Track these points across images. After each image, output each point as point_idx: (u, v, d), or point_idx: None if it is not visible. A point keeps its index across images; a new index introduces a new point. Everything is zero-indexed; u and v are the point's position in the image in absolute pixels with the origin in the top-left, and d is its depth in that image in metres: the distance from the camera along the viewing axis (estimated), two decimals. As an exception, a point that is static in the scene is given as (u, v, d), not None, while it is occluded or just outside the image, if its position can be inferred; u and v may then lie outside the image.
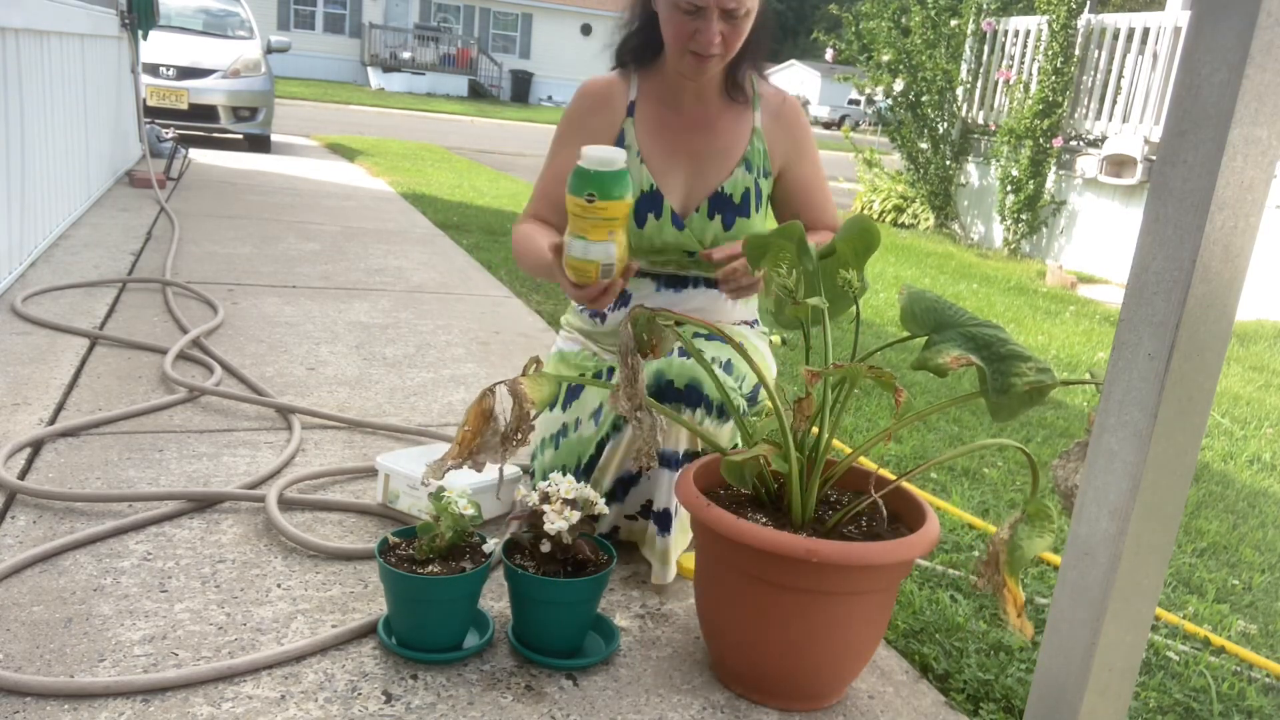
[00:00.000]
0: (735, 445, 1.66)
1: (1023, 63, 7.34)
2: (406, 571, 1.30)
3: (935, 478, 2.33)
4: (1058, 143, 6.89)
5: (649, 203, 1.76)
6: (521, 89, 30.08)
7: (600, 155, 1.38)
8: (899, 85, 7.70)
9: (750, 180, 1.77)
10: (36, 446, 1.90)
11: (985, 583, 1.20)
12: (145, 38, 6.33)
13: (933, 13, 7.61)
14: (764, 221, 1.82)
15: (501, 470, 1.36)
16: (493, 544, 1.39)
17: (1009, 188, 7.15)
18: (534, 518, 1.35)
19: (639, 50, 1.78)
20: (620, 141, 1.79)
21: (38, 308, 2.82)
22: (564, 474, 1.54)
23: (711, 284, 1.82)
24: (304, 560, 1.58)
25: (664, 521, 1.62)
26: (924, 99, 7.72)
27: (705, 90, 1.78)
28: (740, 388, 1.68)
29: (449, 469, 1.26)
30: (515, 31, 31.63)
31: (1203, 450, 2.87)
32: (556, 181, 1.78)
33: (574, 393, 1.79)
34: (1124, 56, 6.72)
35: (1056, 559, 1.90)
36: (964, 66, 7.82)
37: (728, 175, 1.77)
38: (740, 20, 1.64)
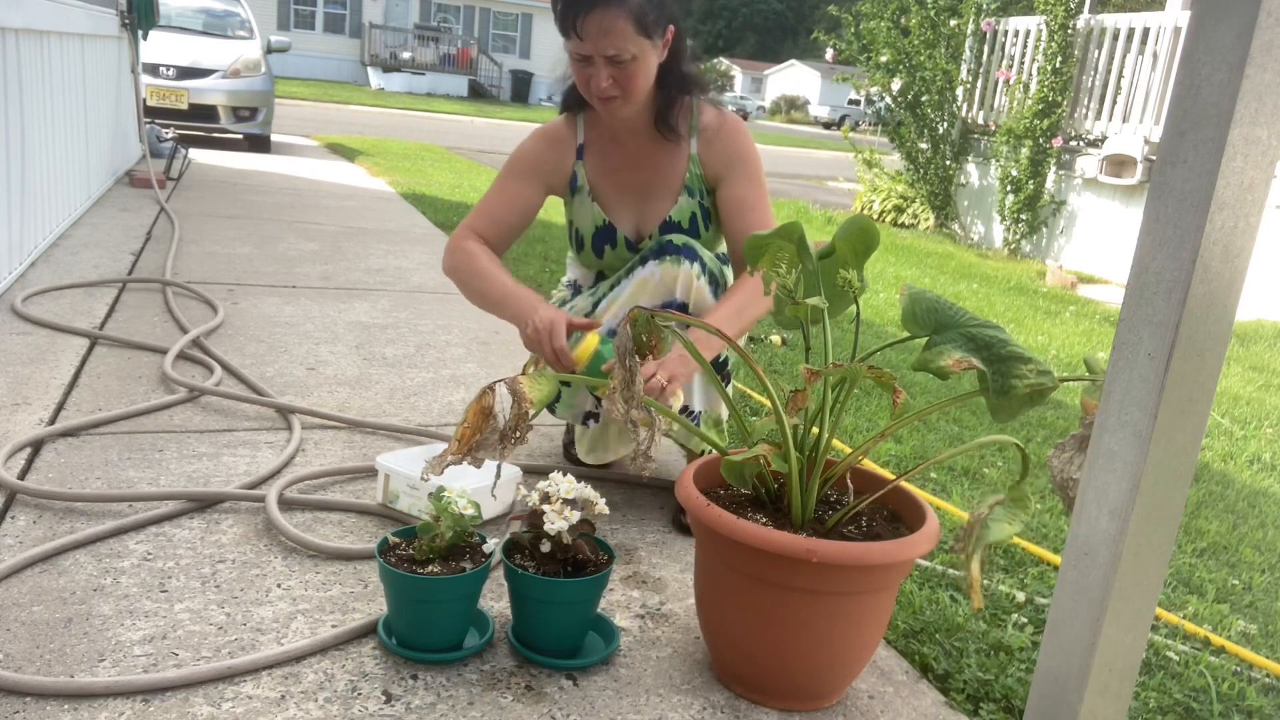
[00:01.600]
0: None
1: (1022, 63, 7.34)
2: (406, 571, 1.30)
3: (935, 478, 2.33)
4: (1057, 143, 6.89)
5: (604, 236, 1.93)
6: (521, 89, 30.08)
7: None
8: (897, 85, 7.71)
9: (694, 204, 1.89)
10: (36, 446, 1.90)
11: (960, 549, 1.21)
12: (145, 38, 6.33)
13: (932, 13, 7.61)
14: (715, 237, 1.96)
15: (500, 469, 1.36)
16: (493, 544, 1.39)
17: (1009, 188, 7.15)
18: (534, 518, 1.35)
19: (578, 96, 1.86)
20: (574, 182, 1.92)
21: (38, 308, 2.82)
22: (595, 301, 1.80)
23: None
24: (304, 560, 1.58)
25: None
26: (924, 99, 7.72)
27: (639, 128, 1.88)
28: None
29: (448, 465, 1.26)
30: (515, 31, 31.64)
31: (1203, 450, 2.87)
32: (507, 206, 1.90)
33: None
34: (1124, 56, 6.71)
35: (1057, 559, 1.90)
36: (964, 66, 7.82)
37: (673, 203, 1.90)
38: (628, 64, 1.72)
